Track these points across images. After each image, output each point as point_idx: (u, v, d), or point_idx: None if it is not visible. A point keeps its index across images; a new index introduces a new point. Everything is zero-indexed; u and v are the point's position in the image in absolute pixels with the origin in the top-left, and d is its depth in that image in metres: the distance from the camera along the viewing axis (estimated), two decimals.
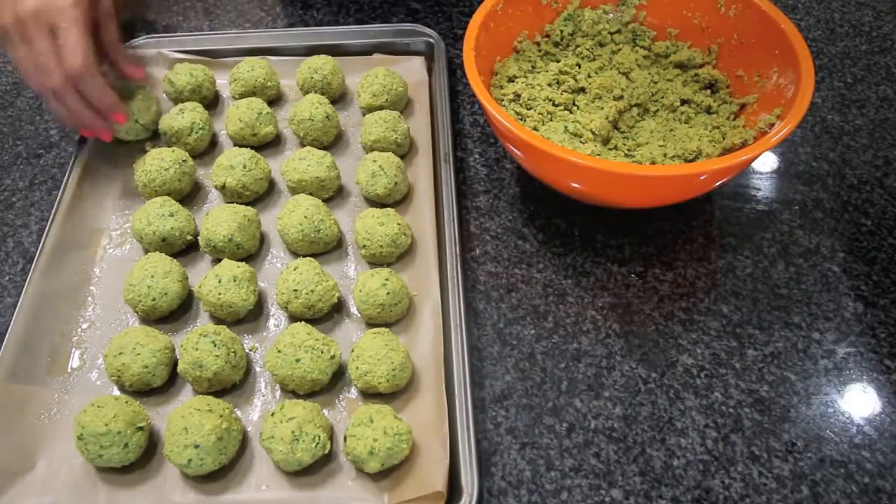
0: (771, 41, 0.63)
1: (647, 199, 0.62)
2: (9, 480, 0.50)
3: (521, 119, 0.65)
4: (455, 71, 0.79)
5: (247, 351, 0.57)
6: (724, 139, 0.64)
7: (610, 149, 0.65)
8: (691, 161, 0.63)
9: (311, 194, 0.65)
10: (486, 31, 0.64)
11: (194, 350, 0.53)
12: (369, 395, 0.55)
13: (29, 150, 0.73)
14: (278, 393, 0.56)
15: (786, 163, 0.71)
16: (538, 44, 0.72)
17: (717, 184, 0.60)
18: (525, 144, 0.57)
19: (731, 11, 0.67)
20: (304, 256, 0.61)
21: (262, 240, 0.65)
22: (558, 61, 0.71)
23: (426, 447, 0.51)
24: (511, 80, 0.69)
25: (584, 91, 0.69)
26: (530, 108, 0.66)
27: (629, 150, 0.64)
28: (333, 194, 0.67)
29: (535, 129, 0.64)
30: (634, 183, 0.57)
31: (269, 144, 0.72)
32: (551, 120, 0.66)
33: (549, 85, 0.69)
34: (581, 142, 0.64)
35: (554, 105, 0.67)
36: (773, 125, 0.60)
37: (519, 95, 0.67)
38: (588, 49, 0.72)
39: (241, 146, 0.70)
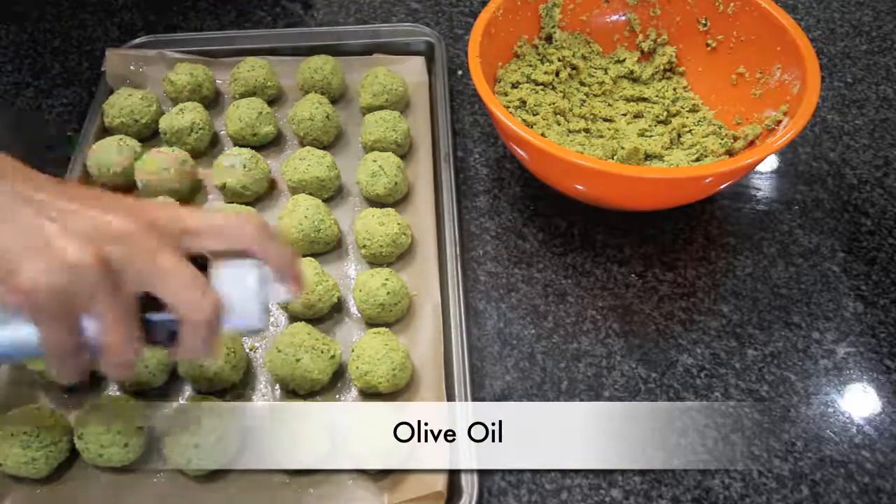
0: (771, 38, 0.63)
1: (657, 201, 0.62)
2: (10, 481, 0.50)
3: (530, 126, 0.65)
4: (455, 71, 0.79)
5: (247, 351, 0.57)
6: (731, 137, 0.64)
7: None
8: (698, 159, 0.63)
9: (311, 194, 0.65)
10: (488, 37, 0.64)
11: None
12: (369, 394, 0.55)
13: (29, 150, 0.73)
14: (278, 393, 0.56)
15: (786, 163, 0.71)
16: (536, 46, 0.72)
17: (724, 185, 0.59)
18: (543, 153, 0.56)
19: (729, 9, 0.67)
20: (304, 256, 0.61)
21: None
22: (551, 63, 0.71)
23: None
24: (514, 86, 0.69)
25: (584, 83, 0.69)
26: (536, 114, 0.66)
27: None
28: (333, 194, 0.67)
29: (543, 134, 0.64)
30: (639, 186, 0.56)
31: (269, 144, 0.72)
32: (557, 124, 0.66)
33: (553, 88, 0.69)
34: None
35: (556, 114, 0.67)
36: (780, 122, 0.60)
37: (524, 102, 0.67)
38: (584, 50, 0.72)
39: (241, 146, 0.70)
